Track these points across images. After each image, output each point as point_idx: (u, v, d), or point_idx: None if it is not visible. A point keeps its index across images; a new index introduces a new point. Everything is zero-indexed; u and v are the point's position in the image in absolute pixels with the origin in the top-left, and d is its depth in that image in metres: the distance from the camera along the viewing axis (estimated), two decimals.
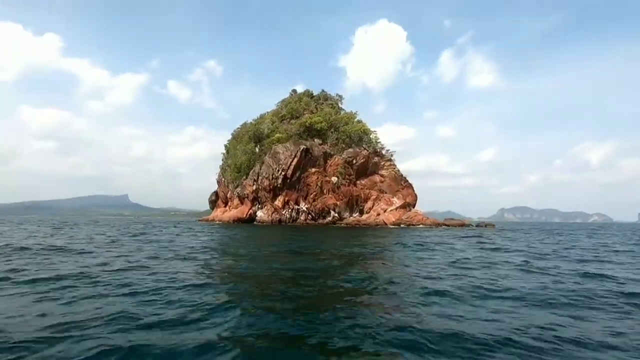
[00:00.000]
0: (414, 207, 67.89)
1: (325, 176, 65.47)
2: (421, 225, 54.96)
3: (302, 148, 63.13)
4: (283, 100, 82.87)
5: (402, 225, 55.19)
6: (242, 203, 72.18)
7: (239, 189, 71.97)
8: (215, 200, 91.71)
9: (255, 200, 68.78)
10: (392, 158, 70.44)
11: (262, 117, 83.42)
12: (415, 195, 68.96)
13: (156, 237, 25.09)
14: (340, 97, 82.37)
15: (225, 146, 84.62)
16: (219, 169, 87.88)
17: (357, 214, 65.94)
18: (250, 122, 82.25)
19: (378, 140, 69.45)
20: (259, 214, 67.88)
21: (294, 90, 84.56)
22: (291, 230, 41.76)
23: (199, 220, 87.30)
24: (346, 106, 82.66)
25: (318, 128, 66.31)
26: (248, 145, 71.28)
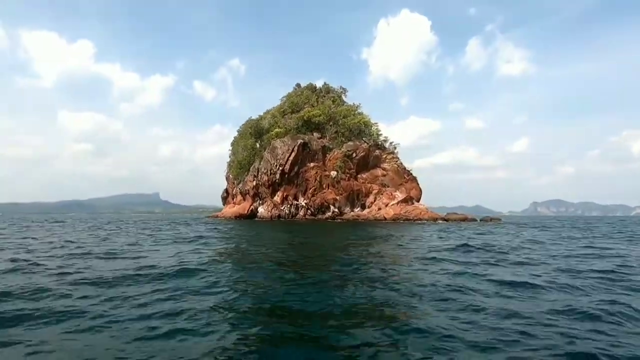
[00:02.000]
0: (418, 201, 65.42)
1: (325, 170, 64.31)
2: (418, 220, 52.72)
3: (299, 142, 62.25)
4: (287, 95, 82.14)
5: (399, 220, 53.19)
6: (244, 199, 72.51)
7: (240, 185, 72.33)
8: (226, 197, 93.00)
9: (256, 196, 68.79)
10: (395, 151, 68.11)
11: (267, 112, 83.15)
12: (420, 189, 66.41)
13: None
14: (344, 89, 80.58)
15: (232, 143, 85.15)
16: (227, 166, 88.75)
17: (358, 208, 64.40)
18: (254, 118, 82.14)
19: (379, 133, 67.38)
20: (260, 209, 67.84)
21: (298, 85, 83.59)
22: (280, 226, 41.13)
23: (207, 217, 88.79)
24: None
25: (316, 121, 65.12)
26: (249, 141, 71.32)
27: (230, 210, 75.77)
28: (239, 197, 74.82)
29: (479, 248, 16.04)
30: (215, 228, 35.10)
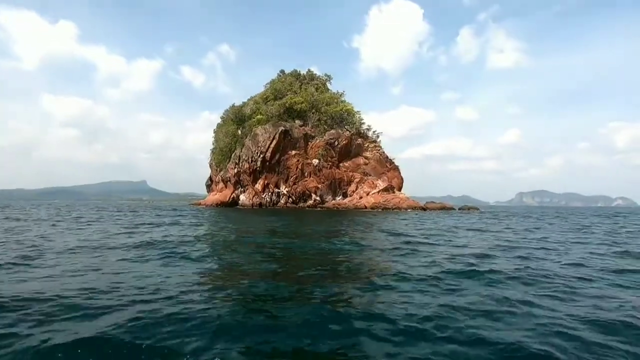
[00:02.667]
0: (400, 190, 65.75)
1: (307, 158, 63.88)
2: (396, 209, 53.02)
3: (280, 130, 61.55)
4: (271, 81, 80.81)
5: (377, 209, 53.42)
6: (226, 187, 71.85)
7: (222, 173, 71.58)
8: (210, 185, 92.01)
9: (238, 183, 68.17)
10: (378, 140, 68.03)
11: (250, 99, 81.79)
12: (402, 178, 66.74)
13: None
14: (329, 77, 79.69)
15: (214, 130, 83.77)
16: (210, 153, 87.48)
17: (340, 197, 64.41)
18: (238, 105, 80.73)
19: (362, 122, 67.02)
20: (242, 197, 67.36)
21: (282, 71, 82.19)
22: (253, 213, 40.92)
23: (190, 205, 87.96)
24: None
25: (298, 109, 64.33)
26: (230, 128, 70.29)
27: (212, 198, 75.12)
28: (221, 185, 74.13)
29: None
30: (180, 215, 34.65)
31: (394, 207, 54.33)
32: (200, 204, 79.67)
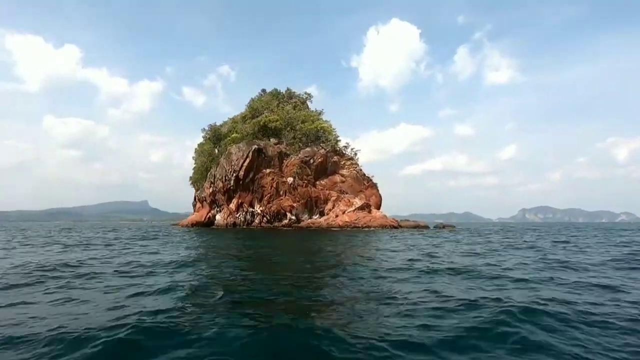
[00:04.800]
0: (378, 209, 64.31)
1: (282, 177, 62.94)
2: (366, 227, 51.53)
3: (254, 148, 60.88)
4: (250, 100, 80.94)
5: (347, 228, 51.95)
6: (202, 206, 70.83)
7: (198, 192, 70.77)
8: (195, 204, 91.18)
9: (213, 203, 67.16)
10: (355, 157, 67.22)
11: (230, 118, 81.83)
12: (380, 196, 65.48)
13: None
14: (309, 95, 79.83)
15: (195, 149, 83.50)
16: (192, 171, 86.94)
17: (317, 215, 63.04)
18: (218, 124, 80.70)
19: (338, 139, 66.37)
20: (217, 217, 66.17)
21: (263, 90, 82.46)
22: (212, 234, 39.70)
23: (172, 225, 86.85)
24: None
25: (273, 127, 63.94)
26: (207, 147, 69.93)
27: (190, 218, 73.99)
28: (199, 204, 73.16)
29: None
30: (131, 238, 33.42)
31: (364, 225, 52.86)
32: (178, 224, 78.46)
